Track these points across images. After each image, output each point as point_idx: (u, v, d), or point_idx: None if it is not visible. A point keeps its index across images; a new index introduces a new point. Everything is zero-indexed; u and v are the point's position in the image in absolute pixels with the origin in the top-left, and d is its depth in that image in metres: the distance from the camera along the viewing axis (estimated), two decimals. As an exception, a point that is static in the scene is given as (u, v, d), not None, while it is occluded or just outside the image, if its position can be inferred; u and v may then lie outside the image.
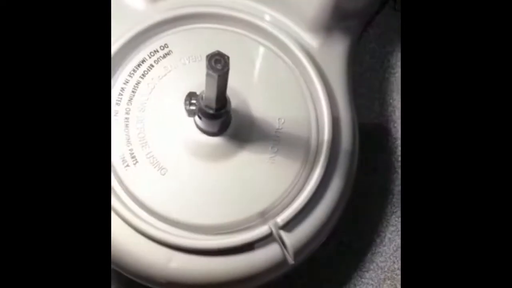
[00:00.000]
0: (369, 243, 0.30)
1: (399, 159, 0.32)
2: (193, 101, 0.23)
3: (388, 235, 0.30)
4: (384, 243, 0.30)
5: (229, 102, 0.23)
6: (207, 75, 0.19)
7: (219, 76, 0.19)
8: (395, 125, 0.33)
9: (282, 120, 0.26)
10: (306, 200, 0.25)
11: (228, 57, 0.19)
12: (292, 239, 0.25)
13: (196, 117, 0.24)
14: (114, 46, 0.26)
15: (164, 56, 0.26)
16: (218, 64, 0.19)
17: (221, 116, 0.23)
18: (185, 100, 0.23)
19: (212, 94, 0.21)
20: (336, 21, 0.28)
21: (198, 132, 0.25)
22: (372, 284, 0.29)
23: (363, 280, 0.29)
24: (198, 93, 0.24)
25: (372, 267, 0.29)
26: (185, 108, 0.24)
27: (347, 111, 0.28)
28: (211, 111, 0.23)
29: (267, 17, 0.28)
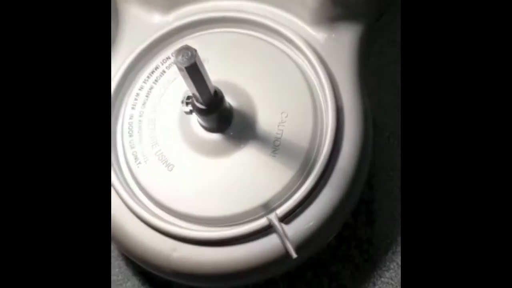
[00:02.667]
0: (390, 242, 0.28)
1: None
2: (188, 101, 0.25)
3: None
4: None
5: (221, 96, 0.24)
6: (178, 69, 0.21)
7: (187, 68, 0.20)
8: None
9: (285, 114, 0.26)
10: (306, 192, 0.25)
11: (195, 50, 0.20)
12: (293, 231, 0.25)
13: (197, 117, 0.26)
14: (130, 57, 0.28)
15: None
16: (185, 56, 0.20)
17: (214, 111, 0.24)
18: (181, 100, 0.25)
19: (192, 88, 0.22)
20: (340, 11, 0.27)
21: (201, 129, 0.26)
22: (391, 283, 0.27)
23: (382, 279, 0.27)
24: (195, 92, 0.25)
25: (392, 266, 0.27)
26: (182, 108, 0.25)
27: (355, 103, 0.27)
28: (202, 107, 0.24)
29: (270, 15, 0.28)
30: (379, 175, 0.29)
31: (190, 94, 0.25)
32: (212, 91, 0.23)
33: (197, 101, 0.24)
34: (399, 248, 0.28)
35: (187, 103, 0.25)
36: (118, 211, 0.26)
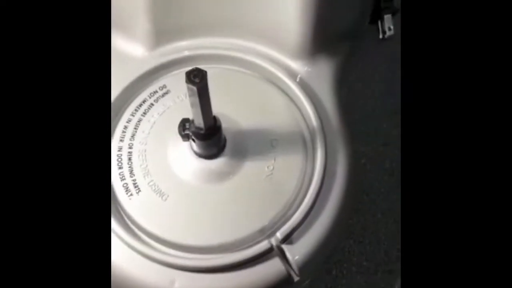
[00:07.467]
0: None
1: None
2: (186, 126, 0.25)
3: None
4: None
5: (219, 122, 0.25)
6: (188, 89, 0.21)
7: (198, 89, 0.21)
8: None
9: (276, 141, 0.27)
10: (304, 213, 0.25)
11: (205, 72, 0.21)
12: (294, 253, 0.25)
13: (192, 143, 0.26)
14: (116, 90, 0.28)
15: (163, 95, 0.29)
16: (196, 78, 0.21)
17: (212, 136, 0.25)
18: (179, 126, 0.25)
19: (197, 111, 0.23)
20: (318, 46, 0.30)
21: (195, 157, 0.26)
22: None
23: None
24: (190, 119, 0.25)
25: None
26: (180, 134, 0.25)
27: (340, 127, 0.29)
28: (201, 132, 0.24)
29: (254, 52, 0.30)
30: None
31: (186, 120, 0.25)
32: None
33: (197, 126, 0.24)
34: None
35: (183, 129, 0.25)
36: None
